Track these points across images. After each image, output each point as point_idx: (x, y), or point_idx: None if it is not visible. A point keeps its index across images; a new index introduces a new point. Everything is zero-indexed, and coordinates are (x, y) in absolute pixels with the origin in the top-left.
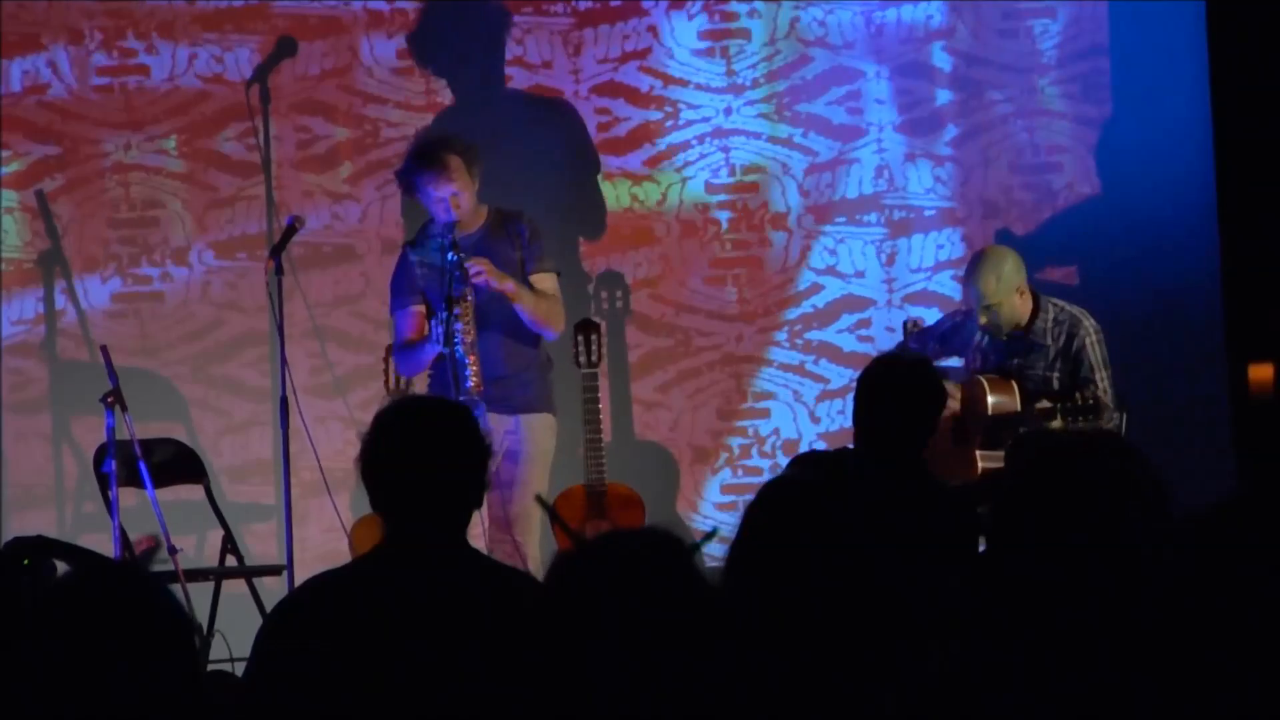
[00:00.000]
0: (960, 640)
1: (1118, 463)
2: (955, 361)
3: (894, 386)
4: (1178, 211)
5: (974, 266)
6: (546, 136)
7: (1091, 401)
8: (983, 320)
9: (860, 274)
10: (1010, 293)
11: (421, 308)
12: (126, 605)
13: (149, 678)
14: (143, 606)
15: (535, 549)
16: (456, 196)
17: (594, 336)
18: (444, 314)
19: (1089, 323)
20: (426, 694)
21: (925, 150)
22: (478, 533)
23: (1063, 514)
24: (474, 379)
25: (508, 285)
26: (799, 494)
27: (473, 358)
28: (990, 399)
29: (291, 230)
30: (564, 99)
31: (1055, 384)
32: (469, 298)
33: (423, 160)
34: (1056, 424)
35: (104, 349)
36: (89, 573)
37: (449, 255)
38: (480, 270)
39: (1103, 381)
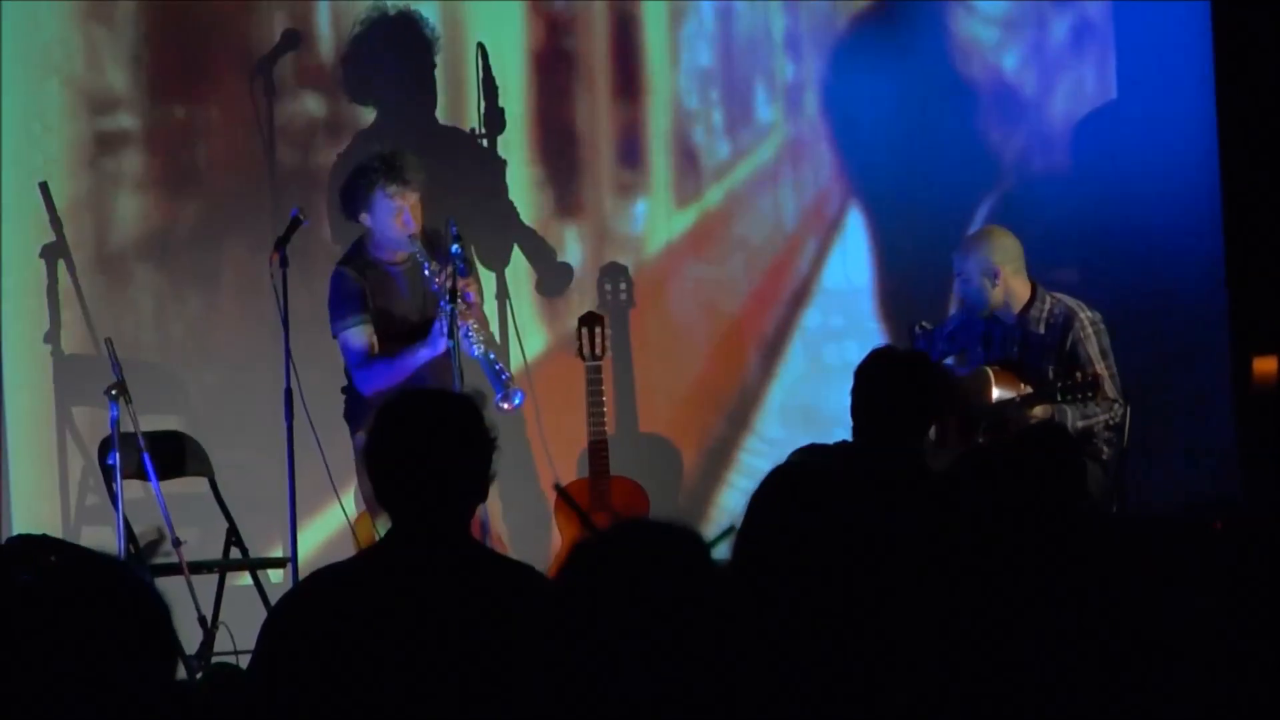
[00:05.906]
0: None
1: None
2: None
3: (889, 377)
4: (1182, 204)
5: (977, 236)
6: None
7: (1090, 378)
8: (991, 289)
9: None
10: (1016, 262)
11: (372, 325)
12: (102, 601)
13: (126, 673)
14: (119, 602)
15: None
16: (417, 208)
17: (598, 329)
18: (448, 307)
19: (1084, 315)
20: (432, 688)
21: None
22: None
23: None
24: (505, 370)
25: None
26: (804, 479)
27: (495, 353)
28: (995, 391)
29: (296, 222)
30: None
31: (1051, 375)
32: (466, 299)
33: (386, 168)
34: (1039, 411)
35: (108, 341)
36: (64, 569)
37: (454, 250)
38: (471, 296)
39: (1105, 371)
